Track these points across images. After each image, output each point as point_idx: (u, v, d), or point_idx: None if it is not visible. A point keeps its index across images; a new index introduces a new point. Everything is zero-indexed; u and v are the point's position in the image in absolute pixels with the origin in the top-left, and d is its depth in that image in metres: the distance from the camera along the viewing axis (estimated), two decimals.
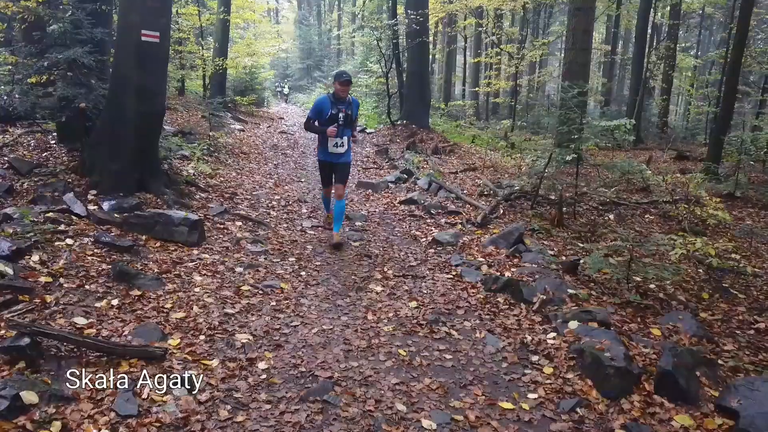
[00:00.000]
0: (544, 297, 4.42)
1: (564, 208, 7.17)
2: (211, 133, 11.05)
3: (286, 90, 32.14)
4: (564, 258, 5.62)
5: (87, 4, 6.65)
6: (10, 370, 2.86)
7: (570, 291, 4.64)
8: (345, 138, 5.90)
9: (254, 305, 4.26)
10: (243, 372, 3.30)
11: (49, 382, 2.83)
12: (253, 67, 19.97)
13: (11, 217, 4.74)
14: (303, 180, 9.37)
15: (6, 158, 6.38)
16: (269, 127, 16.68)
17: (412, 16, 14.40)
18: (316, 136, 6.16)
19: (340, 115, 5.78)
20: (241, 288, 4.54)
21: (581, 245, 6.20)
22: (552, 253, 5.79)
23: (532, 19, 26.90)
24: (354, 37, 28.99)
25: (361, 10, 28.44)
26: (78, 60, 6.48)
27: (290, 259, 5.46)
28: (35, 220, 4.76)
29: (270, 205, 7.43)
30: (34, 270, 4.02)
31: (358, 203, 8.02)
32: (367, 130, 15.73)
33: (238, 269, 4.94)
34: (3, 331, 3.16)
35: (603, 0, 22.79)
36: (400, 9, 16.54)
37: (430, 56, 22.11)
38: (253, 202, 7.44)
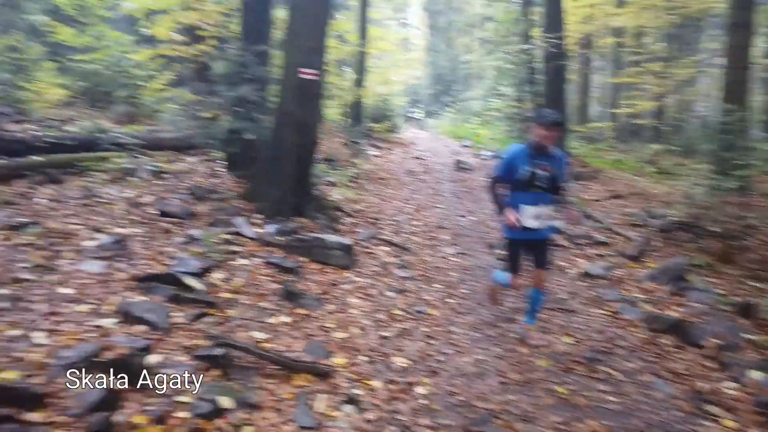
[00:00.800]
0: (719, 341, 4.06)
1: (730, 242, 6.52)
2: (353, 160, 11.66)
3: (419, 115, 32.89)
4: (736, 298, 5.11)
5: (254, 46, 7.44)
6: (207, 377, 3.24)
7: (746, 336, 4.21)
8: (546, 207, 4.06)
9: (407, 330, 4.40)
10: (403, 395, 3.43)
11: (240, 390, 3.16)
12: (388, 95, 20.79)
13: (195, 239, 5.39)
14: (441, 206, 9.51)
15: (186, 183, 7.27)
16: (403, 152, 17.16)
17: (549, 40, 14.12)
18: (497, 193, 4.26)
19: (539, 173, 3.95)
20: (393, 312, 4.71)
21: (754, 284, 5.60)
22: (720, 292, 5.29)
23: (679, 34, 24.98)
24: (483, 61, 29.02)
25: (493, 35, 28.44)
26: (246, 97, 7.27)
27: (436, 285, 5.56)
28: (214, 241, 5.36)
29: (411, 230, 7.64)
30: (216, 287, 4.53)
31: (496, 230, 7.94)
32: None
33: (389, 293, 5.14)
34: (199, 341, 3.59)
35: (765, 12, 20.55)
36: (534, 31, 16.30)
37: (565, 77, 21.44)
38: (395, 227, 7.70)
